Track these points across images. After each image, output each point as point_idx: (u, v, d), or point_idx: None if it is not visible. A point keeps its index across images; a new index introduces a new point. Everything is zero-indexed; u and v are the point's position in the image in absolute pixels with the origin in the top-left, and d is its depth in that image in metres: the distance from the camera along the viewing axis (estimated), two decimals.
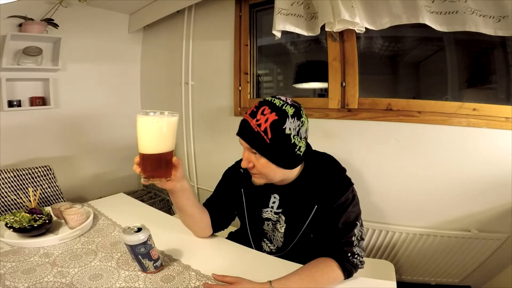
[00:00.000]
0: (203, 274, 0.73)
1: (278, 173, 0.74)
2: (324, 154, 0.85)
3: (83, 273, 0.72)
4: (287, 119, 0.68)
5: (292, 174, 0.79)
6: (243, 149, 0.75)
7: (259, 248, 0.92)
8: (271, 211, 0.85)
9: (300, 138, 0.71)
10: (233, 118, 1.84)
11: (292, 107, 0.70)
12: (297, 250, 0.85)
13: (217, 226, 0.91)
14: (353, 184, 0.79)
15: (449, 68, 1.36)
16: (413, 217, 1.38)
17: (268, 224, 0.87)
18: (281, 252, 0.88)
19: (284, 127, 0.67)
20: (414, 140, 1.31)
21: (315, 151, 0.84)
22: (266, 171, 0.73)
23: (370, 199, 1.43)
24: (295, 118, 0.69)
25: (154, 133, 0.63)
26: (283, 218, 0.83)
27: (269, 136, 0.67)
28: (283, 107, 0.69)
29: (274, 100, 0.71)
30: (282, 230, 0.85)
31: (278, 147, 0.69)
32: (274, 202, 0.84)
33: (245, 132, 0.71)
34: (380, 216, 1.43)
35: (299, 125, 0.70)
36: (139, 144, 0.64)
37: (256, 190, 0.85)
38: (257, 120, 0.68)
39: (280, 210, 0.84)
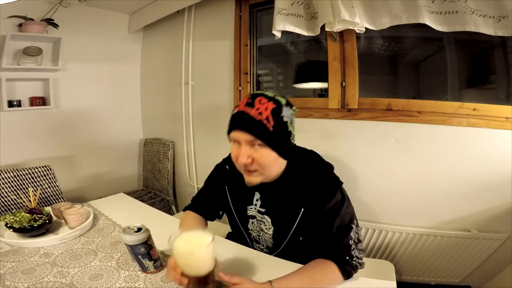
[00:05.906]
0: None
1: (276, 165, 0.72)
2: (307, 150, 0.81)
3: (83, 273, 0.72)
4: (282, 107, 0.69)
5: (279, 169, 0.76)
6: (236, 145, 0.70)
7: (253, 247, 0.92)
8: (254, 208, 0.83)
9: (293, 127, 0.72)
10: None
11: (282, 98, 0.71)
12: (288, 252, 0.84)
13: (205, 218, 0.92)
14: (341, 183, 0.75)
15: (449, 68, 1.36)
16: (413, 217, 1.38)
17: (253, 223, 0.85)
18: (273, 253, 0.87)
19: (282, 115, 0.68)
20: (414, 140, 1.31)
21: (297, 146, 0.80)
22: (268, 162, 0.69)
23: (370, 199, 1.43)
24: (288, 106, 0.70)
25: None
26: (269, 220, 0.81)
27: (272, 123, 0.66)
28: (276, 97, 0.70)
29: (265, 92, 0.71)
30: (270, 232, 0.83)
31: (279, 135, 0.68)
32: (257, 200, 0.82)
33: (246, 123, 0.66)
34: (380, 216, 1.42)
35: (291, 114, 0.71)
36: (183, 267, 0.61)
37: (240, 187, 0.83)
38: (257, 109, 0.66)
39: (263, 210, 0.82)
